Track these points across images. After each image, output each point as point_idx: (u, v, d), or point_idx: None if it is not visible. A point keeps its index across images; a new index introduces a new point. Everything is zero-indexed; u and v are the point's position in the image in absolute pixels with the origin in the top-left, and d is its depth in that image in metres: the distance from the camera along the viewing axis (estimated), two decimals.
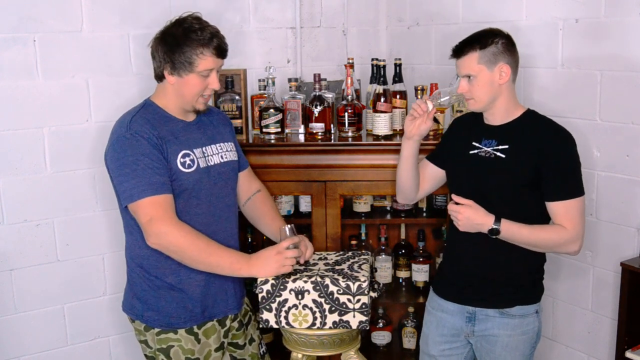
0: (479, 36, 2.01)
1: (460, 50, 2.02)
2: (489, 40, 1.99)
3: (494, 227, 1.98)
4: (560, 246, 2.01)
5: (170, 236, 1.93)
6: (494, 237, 2.00)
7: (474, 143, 2.11)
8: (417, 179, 2.25)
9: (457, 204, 2.04)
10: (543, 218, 2.04)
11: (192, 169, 2.02)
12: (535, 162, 1.97)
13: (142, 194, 1.91)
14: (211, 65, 2.00)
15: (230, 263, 2.01)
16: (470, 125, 2.18)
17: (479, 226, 2.01)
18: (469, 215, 2.01)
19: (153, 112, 2.03)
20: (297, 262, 2.12)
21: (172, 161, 1.98)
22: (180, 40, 1.96)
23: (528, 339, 2.10)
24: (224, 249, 2.02)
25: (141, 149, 1.93)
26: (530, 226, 2.00)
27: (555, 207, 1.99)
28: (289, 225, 2.14)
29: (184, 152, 2.01)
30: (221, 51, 2.01)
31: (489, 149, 2.07)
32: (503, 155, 2.03)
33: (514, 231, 1.99)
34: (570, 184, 1.98)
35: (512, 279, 2.08)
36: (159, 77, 2.05)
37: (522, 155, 2.00)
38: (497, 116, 2.07)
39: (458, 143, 2.17)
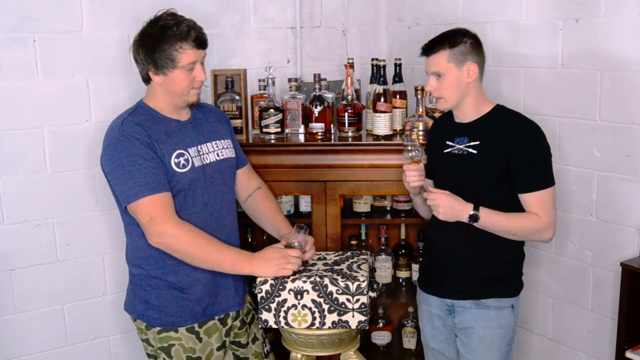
0: (449, 35, 2.05)
1: (430, 49, 2.06)
2: (458, 40, 2.03)
3: (474, 212, 2.01)
4: (535, 233, 2.05)
5: (171, 236, 1.93)
6: (473, 223, 2.02)
7: (447, 142, 2.14)
8: None
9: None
10: (517, 208, 2.06)
11: (187, 168, 2.01)
12: (505, 155, 2.00)
13: (140, 194, 1.91)
14: (193, 58, 1.98)
15: (231, 261, 2.01)
16: (443, 125, 2.23)
17: (460, 213, 2.03)
18: (450, 203, 2.03)
19: (145, 113, 2.03)
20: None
21: (166, 162, 1.98)
22: (159, 39, 1.96)
23: (503, 334, 2.13)
24: (225, 246, 2.02)
25: (135, 150, 1.93)
26: (507, 214, 2.04)
27: (528, 198, 2.02)
28: (302, 226, 2.15)
29: (178, 152, 2.01)
30: (200, 42, 2.00)
31: (461, 146, 2.10)
32: (475, 152, 2.06)
33: (492, 218, 2.02)
34: (541, 175, 2.02)
35: (485, 271, 2.12)
36: (146, 80, 2.06)
37: (492, 149, 2.03)
38: (467, 113, 2.11)
39: (435, 145, 2.21)
